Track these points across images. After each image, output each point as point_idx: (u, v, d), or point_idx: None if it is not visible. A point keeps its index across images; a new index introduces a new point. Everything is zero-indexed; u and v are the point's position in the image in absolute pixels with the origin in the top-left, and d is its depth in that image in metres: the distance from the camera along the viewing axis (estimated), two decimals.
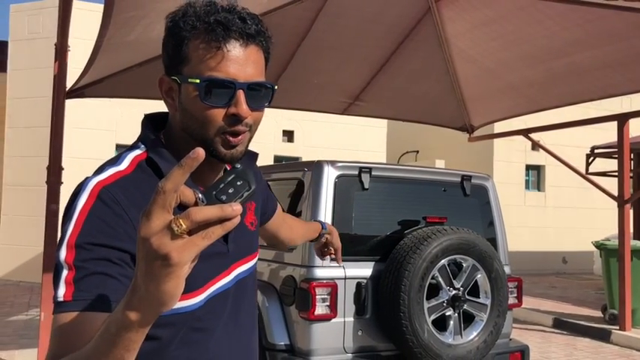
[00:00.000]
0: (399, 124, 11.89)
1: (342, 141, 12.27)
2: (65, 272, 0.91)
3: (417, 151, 15.84)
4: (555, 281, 12.46)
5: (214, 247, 1.01)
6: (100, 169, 1.03)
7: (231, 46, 1.00)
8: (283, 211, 1.66)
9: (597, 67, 6.21)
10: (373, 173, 3.63)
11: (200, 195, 0.73)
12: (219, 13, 1.00)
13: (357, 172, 3.59)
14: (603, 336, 7.23)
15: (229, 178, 0.76)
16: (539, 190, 14.44)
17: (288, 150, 12.05)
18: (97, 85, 5.90)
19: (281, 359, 3.34)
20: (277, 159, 11.74)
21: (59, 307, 0.90)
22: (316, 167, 3.56)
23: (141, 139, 1.09)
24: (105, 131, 10.53)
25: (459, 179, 3.92)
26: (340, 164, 3.59)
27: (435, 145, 14.39)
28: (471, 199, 3.96)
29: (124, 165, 1.04)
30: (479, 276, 3.51)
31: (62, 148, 5.23)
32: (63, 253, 0.92)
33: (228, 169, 1.17)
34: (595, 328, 7.45)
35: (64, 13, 4.60)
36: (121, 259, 0.93)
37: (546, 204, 14.26)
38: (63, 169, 5.19)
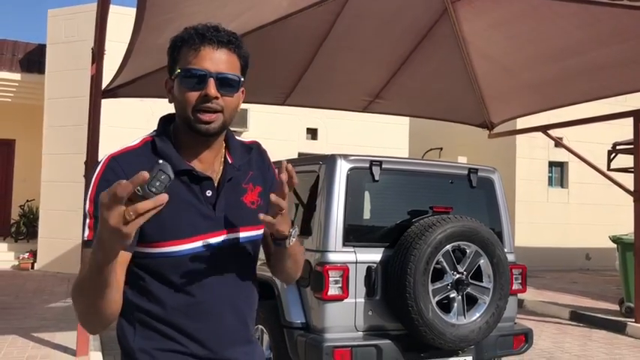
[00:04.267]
0: (422, 121, 12.07)
1: (365, 138, 12.52)
2: (88, 219, 1.31)
3: (441, 148, 15.99)
4: (578, 277, 12.51)
5: (202, 210, 1.40)
6: (119, 148, 1.43)
7: (205, 47, 1.36)
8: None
9: (610, 64, 6.35)
10: (383, 166, 3.90)
11: (139, 187, 1.06)
12: (202, 27, 1.38)
13: (368, 165, 3.87)
14: (619, 328, 7.36)
15: (156, 174, 1.08)
16: (562, 186, 14.45)
17: (312, 147, 12.35)
18: (129, 85, 6.28)
19: (297, 336, 3.65)
20: (301, 155, 12.06)
21: (84, 244, 1.29)
22: (330, 160, 3.86)
23: (155, 129, 1.48)
24: (136, 130, 10.97)
25: (465, 172, 4.17)
26: (352, 157, 3.87)
27: (458, 142, 14.52)
28: (478, 191, 4.20)
29: (135, 142, 1.44)
30: (482, 261, 3.75)
31: (99, 144, 5.60)
32: (87, 206, 1.32)
33: (226, 156, 1.50)
34: (611, 320, 7.58)
35: (101, 20, 4.97)
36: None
37: (570, 201, 14.27)
38: None
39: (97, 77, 5.43)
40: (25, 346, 5.50)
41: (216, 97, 1.36)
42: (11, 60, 11.92)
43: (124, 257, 1.32)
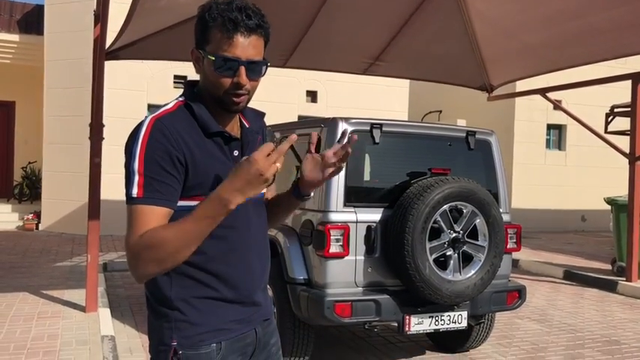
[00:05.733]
0: (421, 85, 12.07)
1: (365, 101, 12.54)
2: (137, 177, 1.43)
3: (440, 111, 16.01)
4: (573, 238, 12.75)
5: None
6: (155, 110, 1.55)
7: (237, 36, 1.47)
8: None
9: (610, 27, 6.37)
10: (384, 129, 4.00)
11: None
12: (232, 11, 1.45)
13: (368, 128, 3.97)
14: (610, 287, 7.59)
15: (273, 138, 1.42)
16: (560, 149, 14.56)
17: (311, 110, 12.39)
18: (130, 47, 6.29)
19: (300, 291, 3.82)
20: (301, 118, 12.10)
21: (133, 200, 1.43)
22: (331, 123, 3.95)
23: (183, 93, 1.61)
24: (137, 92, 11.01)
25: (463, 134, 4.27)
26: (353, 120, 3.97)
27: (457, 105, 14.54)
28: (475, 153, 4.31)
29: (170, 106, 1.56)
30: (477, 221, 3.89)
31: (103, 106, 5.65)
32: (136, 165, 1.44)
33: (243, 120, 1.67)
34: (603, 279, 7.80)
35: None
36: (173, 166, 1.45)
37: (567, 163, 14.40)
38: (104, 125, 5.62)
39: (100, 39, 5.45)
40: (36, 303, 5.69)
41: (246, 84, 1.51)
42: (9, 21, 11.84)
43: (168, 214, 1.45)
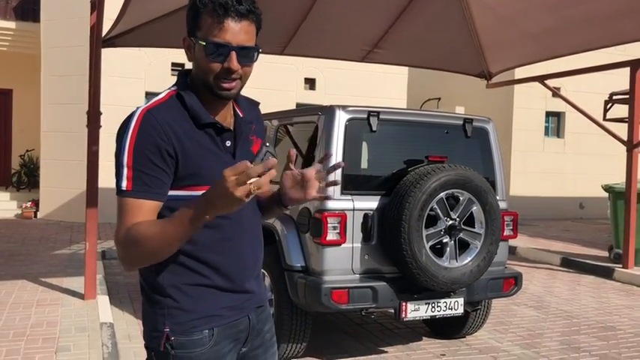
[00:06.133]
0: (420, 72, 12.02)
1: (364, 88, 12.50)
2: (126, 170, 1.44)
3: (439, 99, 15.98)
4: (570, 225, 12.78)
5: (224, 159, 1.55)
6: (147, 102, 1.54)
7: (227, 21, 1.46)
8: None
9: (610, 14, 6.34)
10: (381, 117, 4.00)
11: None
12: None
13: (365, 116, 3.96)
14: (607, 274, 7.63)
15: (264, 155, 1.39)
16: (558, 136, 14.55)
17: (310, 97, 12.35)
18: (127, 34, 6.26)
19: (297, 278, 3.84)
20: (299, 106, 12.06)
21: (122, 193, 1.44)
22: (329, 111, 3.95)
23: (175, 83, 1.60)
24: (135, 79, 10.96)
25: (460, 122, 4.27)
26: (351, 108, 3.96)
27: (456, 93, 14.51)
28: (472, 141, 4.31)
29: (161, 96, 1.56)
30: (474, 208, 3.90)
31: (100, 94, 5.63)
32: (125, 158, 1.44)
33: (237, 111, 1.65)
34: (600, 266, 7.84)
35: None
36: (162, 160, 1.45)
37: (565, 150, 14.40)
38: (101, 113, 5.60)
39: (97, 27, 5.43)
40: (35, 290, 5.72)
41: (238, 70, 1.49)
42: (5, 7, 11.76)
43: (157, 207, 1.46)
